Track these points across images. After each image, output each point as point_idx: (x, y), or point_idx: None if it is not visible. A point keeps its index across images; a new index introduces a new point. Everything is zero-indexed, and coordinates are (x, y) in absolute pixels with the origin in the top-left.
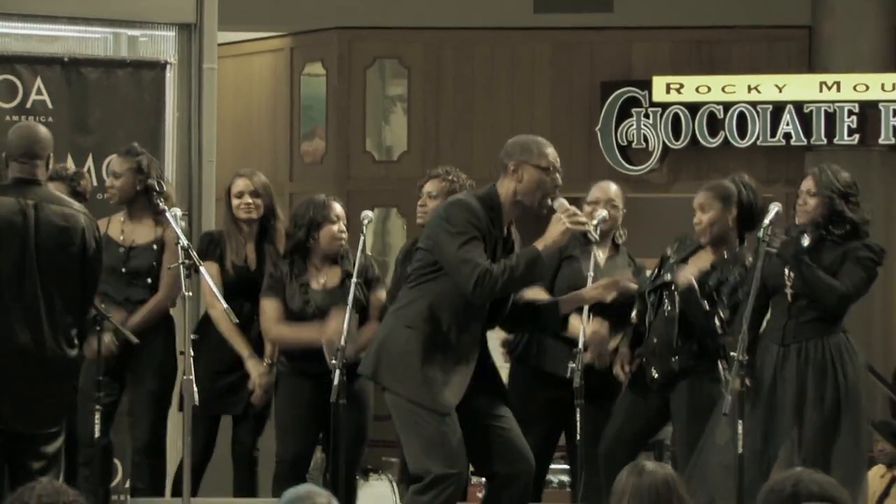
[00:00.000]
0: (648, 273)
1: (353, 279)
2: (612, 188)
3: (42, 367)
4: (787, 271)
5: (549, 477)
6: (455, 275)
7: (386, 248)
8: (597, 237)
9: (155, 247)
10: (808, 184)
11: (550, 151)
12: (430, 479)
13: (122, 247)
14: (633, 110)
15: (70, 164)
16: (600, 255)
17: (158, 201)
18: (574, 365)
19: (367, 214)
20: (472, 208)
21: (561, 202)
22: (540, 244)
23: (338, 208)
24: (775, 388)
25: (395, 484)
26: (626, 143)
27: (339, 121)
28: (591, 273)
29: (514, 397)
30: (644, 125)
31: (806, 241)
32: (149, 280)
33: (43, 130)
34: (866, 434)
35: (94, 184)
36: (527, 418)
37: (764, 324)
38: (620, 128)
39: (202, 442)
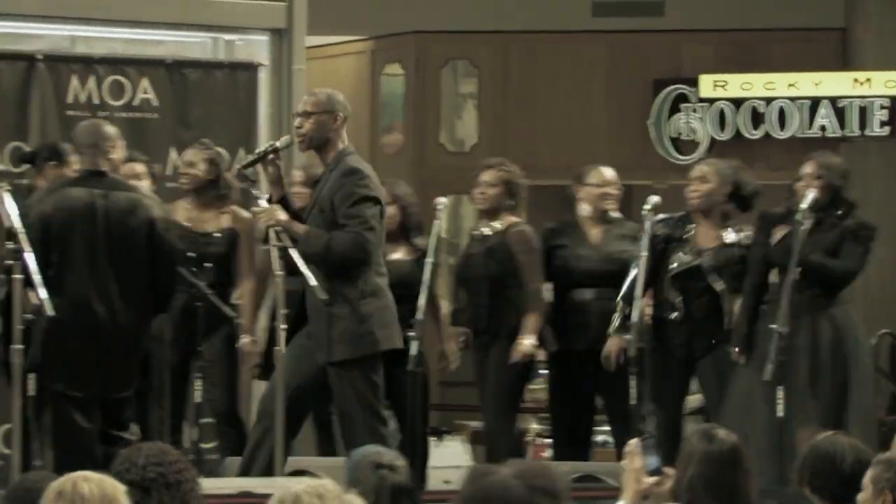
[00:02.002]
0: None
1: (429, 259)
2: (610, 172)
3: (116, 338)
4: (795, 251)
5: (596, 438)
6: None
7: (458, 231)
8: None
9: (219, 235)
10: (811, 168)
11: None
12: None
13: (193, 233)
14: (683, 105)
15: (174, 157)
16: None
17: (250, 188)
18: (631, 337)
19: (441, 201)
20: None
21: None
22: None
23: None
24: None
25: (467, 444)
26: (676, 136)
27: (415, 116)
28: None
29: (558, 373)
30: (692, 119)
31: (807, 224)
32: (217, 266)
33: (107, 126)
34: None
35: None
36: (569, 390)
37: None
38: (671, 121)
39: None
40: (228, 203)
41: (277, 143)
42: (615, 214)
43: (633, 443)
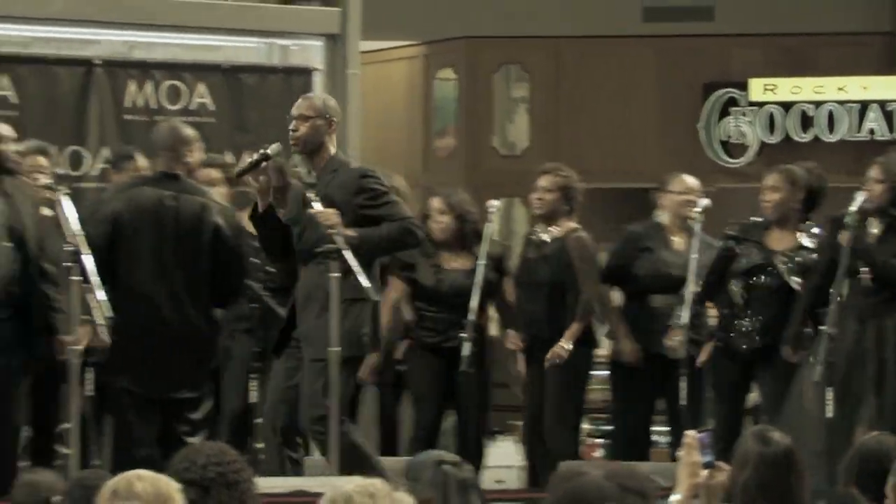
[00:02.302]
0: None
1: (481, 260)
2: (693, 181)
3: (183, 339)
4: (844, 254)
5: (654, 438)
6: None
7: (510, 234)
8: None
9: None
10: (874, 171)
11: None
12: None
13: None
14: (732, 109)
15: (228, 159)
16: (695, 243)
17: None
18: (676, 339)
19: (494, 204)
20: None
21: None
22: None
23: (434, 203)
24: (854, 361)
25: (518, 444)
26: (725, 139)
27: (468, 120)
28: (693, 255)
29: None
30: (742, 122)
31: (875, 229)
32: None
33: (186, 129)
34: None
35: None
36: (633, 392)
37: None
38: (720, 125)
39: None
40: None
41: (269, 150)
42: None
43: (691, 435)
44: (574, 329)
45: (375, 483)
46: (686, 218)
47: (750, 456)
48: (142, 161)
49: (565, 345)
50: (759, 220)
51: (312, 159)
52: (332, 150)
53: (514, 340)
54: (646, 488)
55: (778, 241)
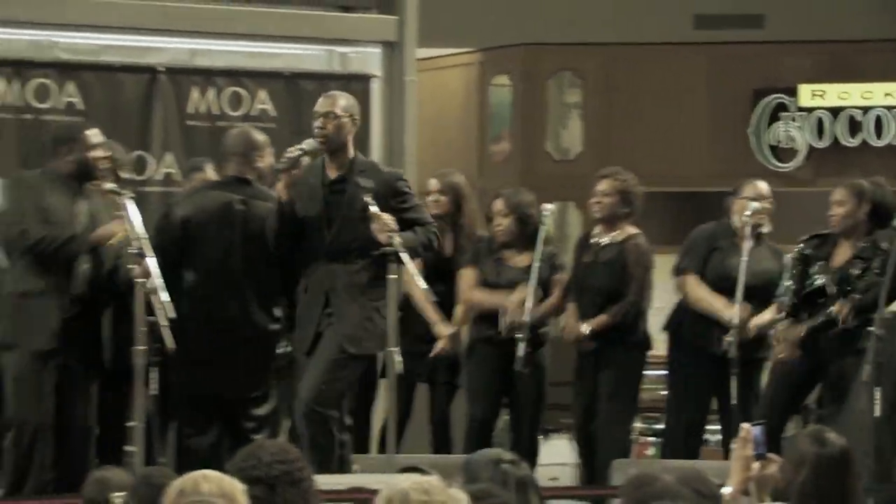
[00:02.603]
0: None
1: (535, 262)
2: (764, 186)
3: (248, 338)
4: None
5: (707, 437)
6: None
7: (564, 236)
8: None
9: None
10: None
11: (322, 100)
12: None
13: None
14: (782, 114)
15: None
16: (746, 245)
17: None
18: (730, 339)
19: (548, 207)
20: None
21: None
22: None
23: (495, 204)
24: None
25: (573, 442)
26: (775, 144)
27: (522, 125)
28: (743, 259)
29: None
30: (791, 127)
31: None
32: None
33: (257, 135)
34: None
35: None
36: (688, 391)
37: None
38: (770, 130)
39: (404, 405)
40: None
41: (305, 147)
42: (766, 229)
43: (746, 428)
44: (601, 319)
45: (431, 480)
46: (755, 224)
47: (807, 457)
48: (211, 173)
49: (585, 328)
50: (828, 233)
51: (335, 157)
52: (352, 149)
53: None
54: (713, 491)
55: (841, 257)
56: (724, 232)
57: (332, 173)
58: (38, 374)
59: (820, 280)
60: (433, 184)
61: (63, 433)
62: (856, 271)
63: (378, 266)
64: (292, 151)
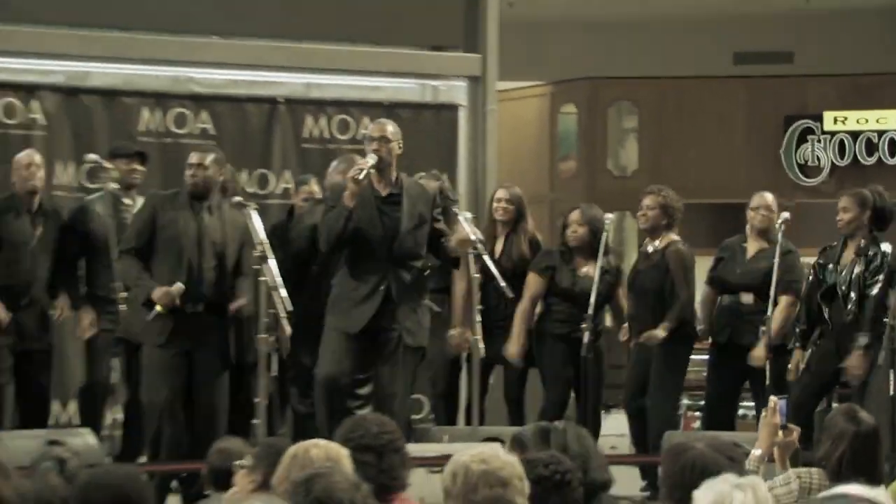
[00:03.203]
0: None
1: (599, 262)
2: (769, 197)
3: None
4: None
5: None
6: None
7: (622, 240)
8: (361, 178)
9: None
10: None
11: (374, 128)
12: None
13: None
14: (809, 137)
15: None
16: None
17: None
18: (764, 328)
19: (608, 217)
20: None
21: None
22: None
23: (572, 214)
24: None
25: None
26: (803, 162)
27: (586, 147)
28: (776, 259)
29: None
30: (817, 148)
31: None
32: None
33: (355, 157)
34: None
35: None
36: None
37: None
38: (798, 150)
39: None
40: None
41: (371, 162)
42: (775, 237)
43: (774, 399)
44: (666, 324)
45: (486, 451)
46: (761, 228)
47: (845, 434)
48: (315, 186)
49: (659, 332)
50: (835, 244)
51: (383, 174)
52: (395, 168)
53: (624, 335)
54: (739, 456)
55: (849, 254)
56: (733, 243)
57: (384, 189)
58: (160, 363)
59: (831, 279)
60: (500, 194)
61: (191, 411)
62: (859, 268)
63: (420, 270)
64: (363, 166)
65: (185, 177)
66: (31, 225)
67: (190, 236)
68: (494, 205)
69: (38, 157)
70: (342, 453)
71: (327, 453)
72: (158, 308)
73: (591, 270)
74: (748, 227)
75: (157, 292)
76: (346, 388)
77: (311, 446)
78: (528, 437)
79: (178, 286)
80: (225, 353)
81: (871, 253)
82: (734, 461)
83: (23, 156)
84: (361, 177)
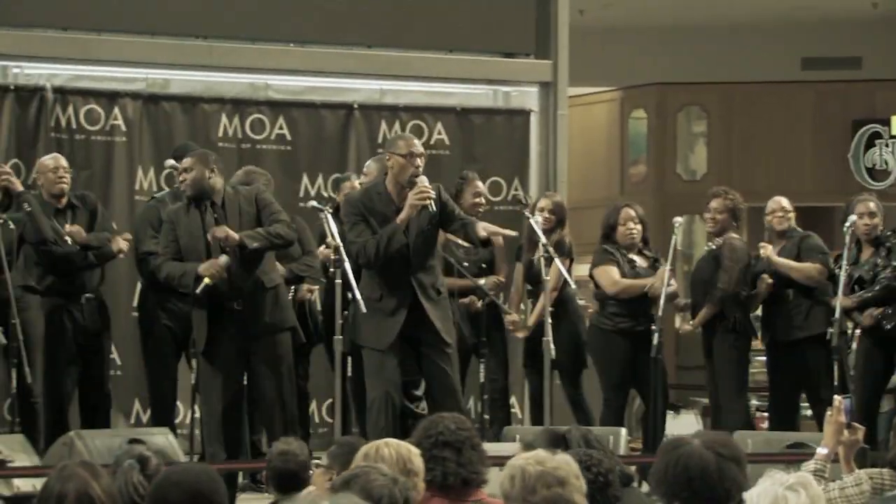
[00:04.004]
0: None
1: (667, 266)
2: (781, 201)
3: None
4: None
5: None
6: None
7: (692, 243)
8: (434, 209)
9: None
10: None
11: (410, 143)
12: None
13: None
14: (877, 141)
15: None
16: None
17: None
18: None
19: (678, 220)
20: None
21: (419, 180)
22: (398, 219)
23: (629, 212)
24: None
25: (699, 417)
26: (870, 166)
27: (656, 151)
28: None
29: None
30: (885, 152)
31: None
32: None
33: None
34: None
35: (484, 201)
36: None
37: None
38: (866, 154)
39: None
40: None
41: (434, 195)
42: (794, 232)
43: (839, 399)
44: (703, 313)
45: (540, 452)
46: (775, 231)
47: None
48: (356, 182)
49: (689, 324)
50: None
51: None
52: None
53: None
54: (740, 455)
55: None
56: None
57: (399, 201)
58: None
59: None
60: (543, 203)
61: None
62: (879, 259)
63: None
64: (431, 196)
65: None
66: (62, 223)
67: (201, 239)
68: (536, 213)
69: (63, 161)
70: (413, 452)
71: (398, 452)
72: (207, 280)
73: (644, 263)
74: (765, 230)
75: (204, 264)
76: (401, 399)
77: (383, 445)
78: (539, 442)
79: (224, 257)
80: (281, 343)
81: (892, 242)
82: (726, 458)
83: (48, 160)
84: (434, 209)
